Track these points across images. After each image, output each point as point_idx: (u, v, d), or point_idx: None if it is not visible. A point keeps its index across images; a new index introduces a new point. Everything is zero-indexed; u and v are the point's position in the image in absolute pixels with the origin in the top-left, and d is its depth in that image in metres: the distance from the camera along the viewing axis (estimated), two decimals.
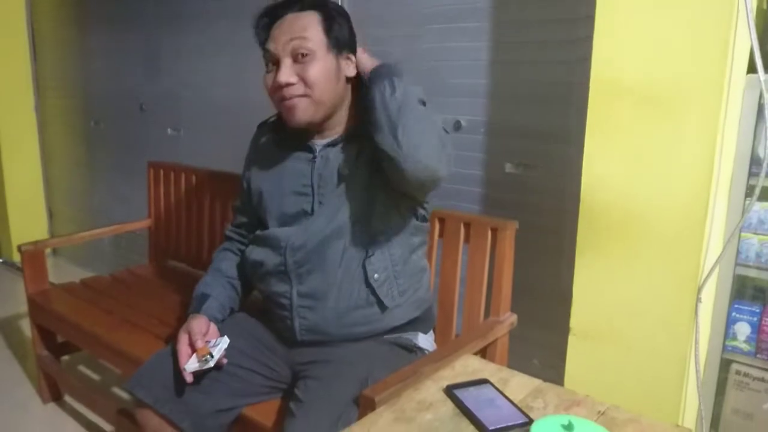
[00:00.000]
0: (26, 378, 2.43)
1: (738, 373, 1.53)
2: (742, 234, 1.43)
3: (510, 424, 0.86)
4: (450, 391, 0.95)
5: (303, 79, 1.28)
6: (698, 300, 1.29)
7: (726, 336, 1.52)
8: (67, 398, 2.28)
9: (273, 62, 1.31)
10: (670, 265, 1.33)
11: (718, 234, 1.38)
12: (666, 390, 1.39)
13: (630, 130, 1.33)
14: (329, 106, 1.33)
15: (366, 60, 1.35)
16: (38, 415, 2.21)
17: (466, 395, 0.94)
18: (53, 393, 2.27)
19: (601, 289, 1.43)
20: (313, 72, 1.28)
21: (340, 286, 1.31)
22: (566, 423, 0.63)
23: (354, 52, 1.36)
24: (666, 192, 1.31)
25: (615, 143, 1.36)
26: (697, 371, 1.37)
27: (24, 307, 2.23)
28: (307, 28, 1.28)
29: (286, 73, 1.27)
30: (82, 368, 2.52)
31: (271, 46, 1.30)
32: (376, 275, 1.31)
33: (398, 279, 1.35)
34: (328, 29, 1.30)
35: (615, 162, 1.36)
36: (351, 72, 1.36)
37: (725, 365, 1.54)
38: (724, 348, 1.53)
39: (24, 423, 2.16)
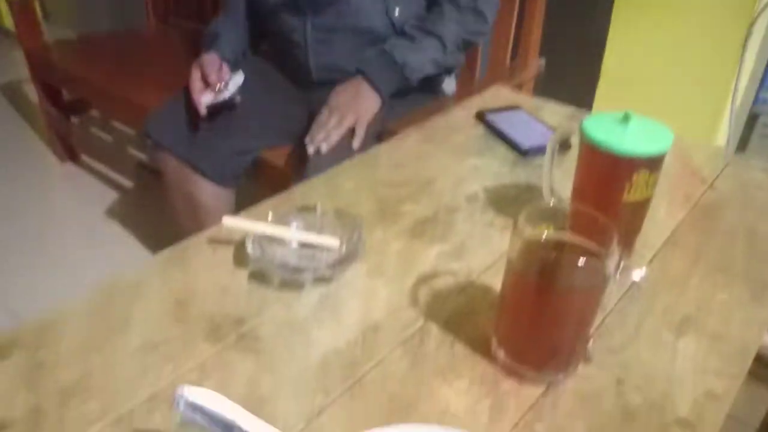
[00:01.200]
0: (40, 141, 2.42)
1: (765, 125, 1.50)
2: None
3: (546, 142, 0.82)
4: (482, 115, 0.91)
5: None
6: (749, 33, 1.19)
7: (761, 87, 1.46)
8: (84, 158, 2.30)
9: None
10: None
11: None
12: (701, 125, 1.35)
13: None
14: None
15: None
16: (58, 174, 2.24)
17: (498, 119, 0.89)
18: (69, 153, 2.28)
19: (640, 28, 1.32)
20: None
21: (357, 17, 1.21)
22: (622, 116, 0.58)
23: None
24: None
25: None
26: (733, 106, 1.31)
27: (25, 72, 2.13)
28: None
29: None
30: (94, 130, 2.50)
31: None
32: (398, 9, 1.20)
33: (421, 13, 1.24)
34: None
35: None
36: None
37: (752, 118, 1.50)
38: (757, 98, 1.47)
39: (45, 182, 2.21)
